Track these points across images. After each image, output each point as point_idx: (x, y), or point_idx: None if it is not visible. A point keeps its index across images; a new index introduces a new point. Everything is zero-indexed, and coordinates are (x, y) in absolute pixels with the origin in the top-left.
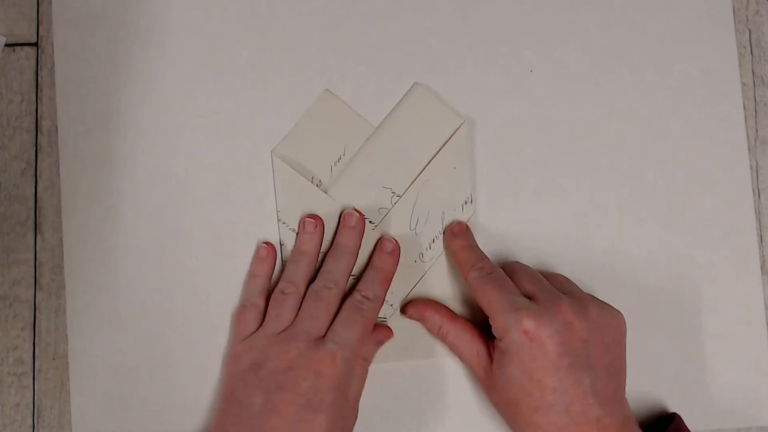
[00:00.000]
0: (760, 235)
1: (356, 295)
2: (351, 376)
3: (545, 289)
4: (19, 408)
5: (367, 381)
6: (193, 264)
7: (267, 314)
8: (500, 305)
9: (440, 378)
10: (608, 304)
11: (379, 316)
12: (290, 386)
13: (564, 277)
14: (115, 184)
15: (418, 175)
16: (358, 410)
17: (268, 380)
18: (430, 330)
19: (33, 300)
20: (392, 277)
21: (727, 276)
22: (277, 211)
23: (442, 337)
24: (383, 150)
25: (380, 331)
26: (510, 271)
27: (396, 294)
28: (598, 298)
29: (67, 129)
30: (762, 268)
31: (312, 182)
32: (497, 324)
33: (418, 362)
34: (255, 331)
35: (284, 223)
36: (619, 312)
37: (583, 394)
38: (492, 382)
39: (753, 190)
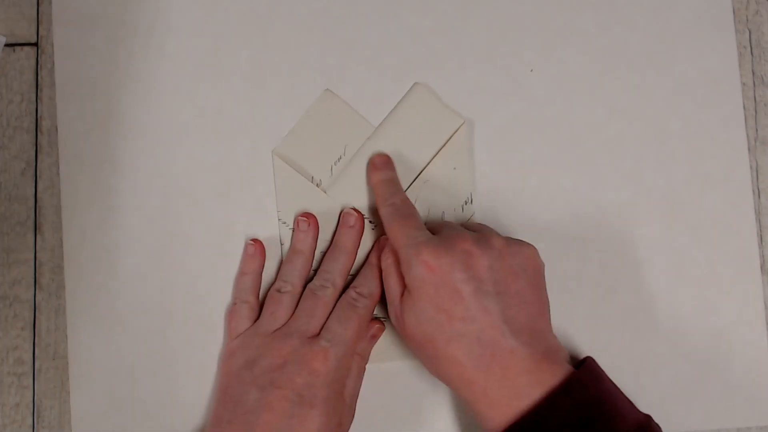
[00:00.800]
0: (760, 235)
1: (351, 292)
2: (346, 373)
3: (449, 227)
4: (19, 408)
5: (368, 381)
6: (193, 264)
7: (262, 312)
8: (403, 240)
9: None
10: (518, 239)
11: (380, 316)
12: (283, 382)
13: (484, 225)
14: (115, 184)
15: (418, 175)
16: (355, 408)
17: (262, 377)
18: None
19: (33, 300)
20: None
21: (727, 276)
22: (278, 211)
23: (383, 264)
24: (383, 150)
25: (372, 325)
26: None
27: None
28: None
29: (67, 129)
30: (762, 268)
31: (312, 182)
32: (401, 259)
33: (417, 362)
34: (249, 328)
35: (284, 222)
36: (529, 244)
37: (493, 321)
38: (405, 323)
39: (753, 190)
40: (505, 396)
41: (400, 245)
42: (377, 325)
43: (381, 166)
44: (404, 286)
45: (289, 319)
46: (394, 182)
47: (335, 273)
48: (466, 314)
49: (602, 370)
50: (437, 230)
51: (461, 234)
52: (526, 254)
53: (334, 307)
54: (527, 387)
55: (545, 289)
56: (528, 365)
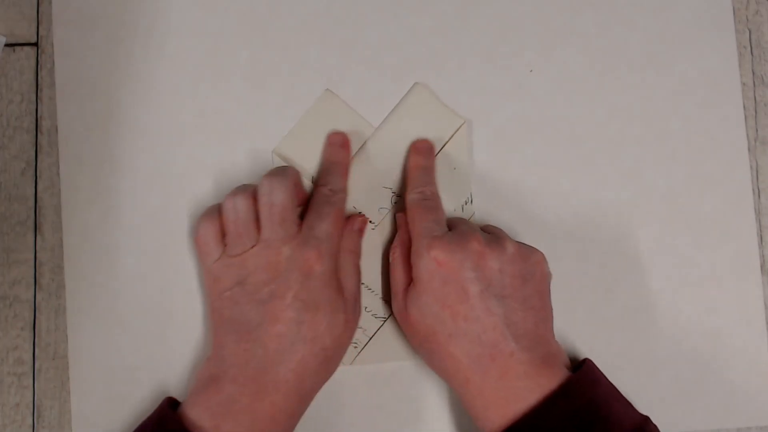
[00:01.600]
0: (760, 235)
1: (322, 189)
2: (342, 271)
3: (465, 224)
4: (19, 408)
5: (368, 381)
6: (193, 264)
7: (228, 237)
8: (419, 230)
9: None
10: (529, 246)
11: (381, 315)
12: (282, 292)
13: (498, 228)
14: (115, 184)
15: None
16: (360, 308)
17: (259, 292)
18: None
19: (33, 300)
20: (348, 169)
21: (727, 276)
22: None
23: (391, 256)
24: (383, 150)
25: (355, 219)
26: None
27: None
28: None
29: (67, 129)
30: (762, 268)
31: (312, 182)
32: (413, 249)
33: (418, 362)
34: (224, 251)
35: None
36: (539, 251)
37: (495, 323)
38: (408, 315)
39: (753, 190)
40: (502, 398)
41: (416, 234)
42: (360, 218)
43: (423, 151)
44: (410, 279)
45: (258, 236)
46: (429, 171)
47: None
48: (469, 313)
49: (600, 373)
50: (453, 226)
51: (475, 234)
52: (536, 261)
53: (308, 207)
54: (525, 390)
55: (550, 297)
56: (527, 369)
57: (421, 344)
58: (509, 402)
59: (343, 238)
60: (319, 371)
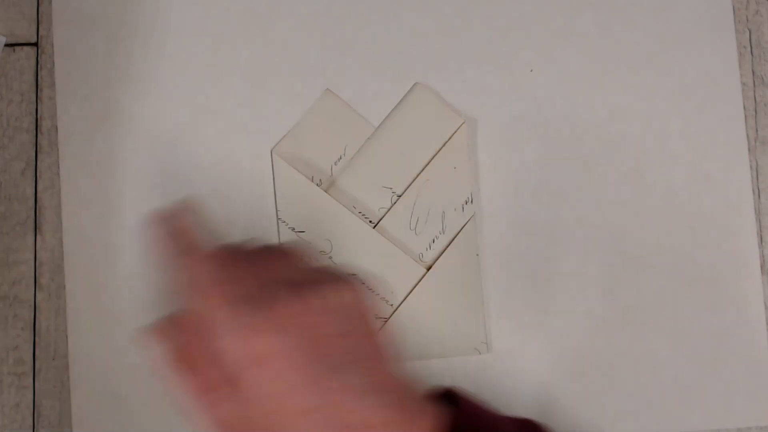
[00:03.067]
0: (760, 235)
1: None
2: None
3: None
4: (19, 408)
5: None
6: None
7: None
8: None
9: (441, 377)
10: (323, 274)
11: (380, 316)
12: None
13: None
14: (115, 184)
15: (419, 174)
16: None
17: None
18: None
19: (33, 300)
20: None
21: (727, 276)
22: (277, 210)
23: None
24: (384, 149)
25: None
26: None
27: (396, 294)
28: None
29: (67, 129)
30: (762, 268)
31: (312, 181)
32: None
33: (416, 362)
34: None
35: (284, 222)
36: (342, 282)
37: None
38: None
39: (753, 190)
40: None
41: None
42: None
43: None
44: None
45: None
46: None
47: None
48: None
49: (470, 401)
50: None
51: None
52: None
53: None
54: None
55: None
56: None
57: None
58: None
59: None
60: None
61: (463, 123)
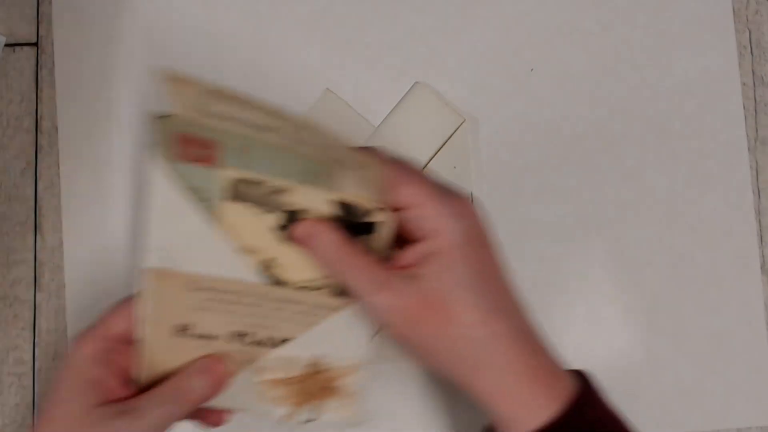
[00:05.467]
0: (760, 235)
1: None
2: None
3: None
4: (19, 408)
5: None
6: None
7: None
8: (432, 191)
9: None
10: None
11: None
12: None
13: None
14: (115, 184)
15: None
16: None
17: None
18: (318, 258)
19: (33, 300)
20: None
21: (727, 276)
22: None
23: (334, 266)
24: (384, 147)
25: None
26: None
27: None
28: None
29: (67, 129)
30: (762, 268)
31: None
32: (431, 212)
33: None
34: None
35: None
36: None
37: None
38: (421, 310)
39: (753, 190)
40: (529, 399)
41: (428, 195)
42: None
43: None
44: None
45: None
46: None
47: None
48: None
49: (596, 384)
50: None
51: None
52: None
53: None
54: (553, 389)
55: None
56: (547, 367)
57: (443, 345)
58: (538, 404)
59: None
60: None
61: (464, 122)
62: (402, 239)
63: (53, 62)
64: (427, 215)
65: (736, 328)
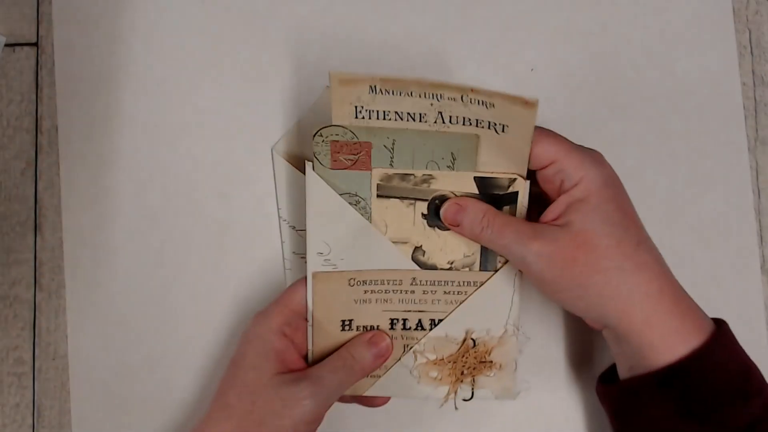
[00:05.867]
0: (760, 235)
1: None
2: None
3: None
4: (19, 408)
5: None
6: (193, 264)
7: None
8: (569, 146)
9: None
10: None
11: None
12: None
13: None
14: (115, 184)
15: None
16: None
17: None
18: (468, 229)
19: (33, 300)
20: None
21: (727, 276)
22: (278, 209)
23: (484, 232)
24: None
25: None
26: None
27: None
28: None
29: (67, 129)
30: (762, 268)
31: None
32: (573, 162)
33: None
34: None
35: (285, 220)
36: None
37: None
38: (572, 251)
39: (753, 190)
40: (675, 328)
41: (568, 149)
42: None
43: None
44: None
45: None
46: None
47: None
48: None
49: (731, 333)
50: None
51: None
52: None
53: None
54: (697, 320)
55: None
56: (689, 302)
57: (595, 276)
58: (688, 332)
59: None
60: None
61: None
62: (542, 201)
63: (53, 62)
64: (568, 167)
65: (736, 328)
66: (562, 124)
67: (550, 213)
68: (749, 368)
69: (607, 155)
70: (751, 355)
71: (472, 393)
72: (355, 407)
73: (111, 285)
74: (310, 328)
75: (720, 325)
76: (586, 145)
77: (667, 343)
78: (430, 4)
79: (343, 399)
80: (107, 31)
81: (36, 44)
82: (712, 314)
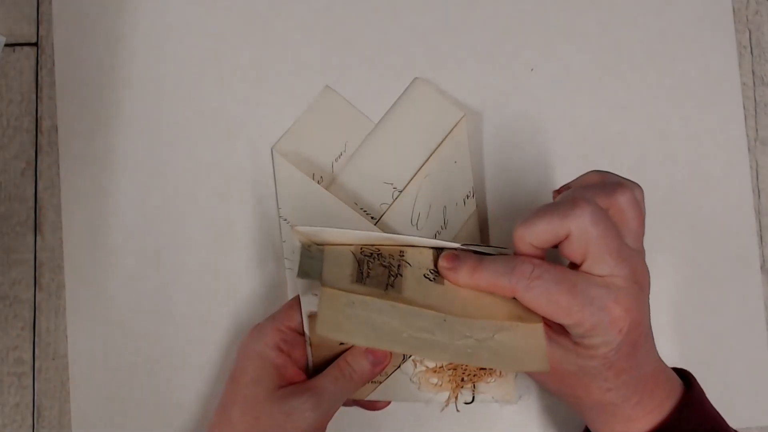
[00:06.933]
0: (760, 235)
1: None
2: None
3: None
4: (19, 408)
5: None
6: (193, 264)
7: None
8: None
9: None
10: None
11: None
12: None
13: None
14: (115, 184)
15: (419, 169)
16: None
17: None
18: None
19: (33, 300)
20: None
21: (727, 276)
22: (278, 208)
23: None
24: (384, 145)
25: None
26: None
27: None
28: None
29: (67, 129)
30: (762, 268)
31: (313, 178)
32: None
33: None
34: None
35: (285, 219)
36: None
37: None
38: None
39: (753, 190)
40: (644, 410)
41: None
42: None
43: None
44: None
45: None
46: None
47: None
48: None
49: (700, 388)
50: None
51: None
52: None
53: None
54: (664, 398)
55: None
56: (663, 376)
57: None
58: (651, 412)
59: None
60: None
61: (463, 116)
62: None
63: (53, 62)
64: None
65: (736, 328)
66: (562, 123)
67: None
68: (719, 428)
69: (607, 155)
70: (752, 354)
71: (473, 396)
72: (357, 410)
73: (111, 285)
74: (308, 347)
75: (687, 385)
76: (585, 145)
77: (633, 417)
78: (430, 4)
79: (345, 403)
80: (107, 31)
81: (36, 44)
82: (712, 314)
